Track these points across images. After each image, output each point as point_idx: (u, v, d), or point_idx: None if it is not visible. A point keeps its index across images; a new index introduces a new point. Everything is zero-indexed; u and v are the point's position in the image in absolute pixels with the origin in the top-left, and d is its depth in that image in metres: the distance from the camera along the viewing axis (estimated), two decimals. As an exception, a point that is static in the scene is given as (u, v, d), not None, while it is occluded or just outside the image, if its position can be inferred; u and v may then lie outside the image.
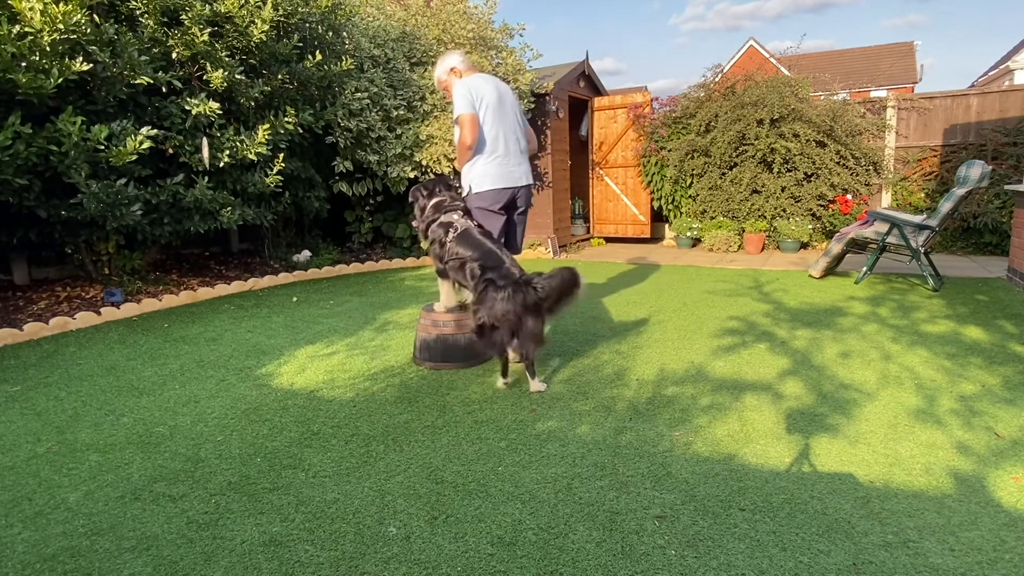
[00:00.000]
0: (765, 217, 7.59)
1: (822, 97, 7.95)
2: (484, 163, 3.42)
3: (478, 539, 1.78)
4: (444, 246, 3.15)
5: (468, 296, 3.23)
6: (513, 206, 3.52)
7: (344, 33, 6.37)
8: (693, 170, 7.95)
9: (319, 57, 5.53)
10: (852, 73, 22.12)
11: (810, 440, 2.37)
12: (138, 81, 4.29)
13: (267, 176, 5.34)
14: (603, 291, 5.39)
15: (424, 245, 3.41)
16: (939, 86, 27.88)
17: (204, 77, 4.82)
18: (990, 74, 20.02)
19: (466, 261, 3.04)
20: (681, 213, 8.39)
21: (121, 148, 4.07)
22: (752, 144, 7.39)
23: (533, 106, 7.70)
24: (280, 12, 5.11)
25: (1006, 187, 5.41)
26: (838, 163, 7.30)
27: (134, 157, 4.14)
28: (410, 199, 3.44)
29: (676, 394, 2.88)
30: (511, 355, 3.00)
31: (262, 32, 4.93)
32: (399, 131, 6.49)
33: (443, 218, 3.21)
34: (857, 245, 5.44)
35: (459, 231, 3.13)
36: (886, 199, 7.63)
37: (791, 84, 7.53)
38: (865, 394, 2.82)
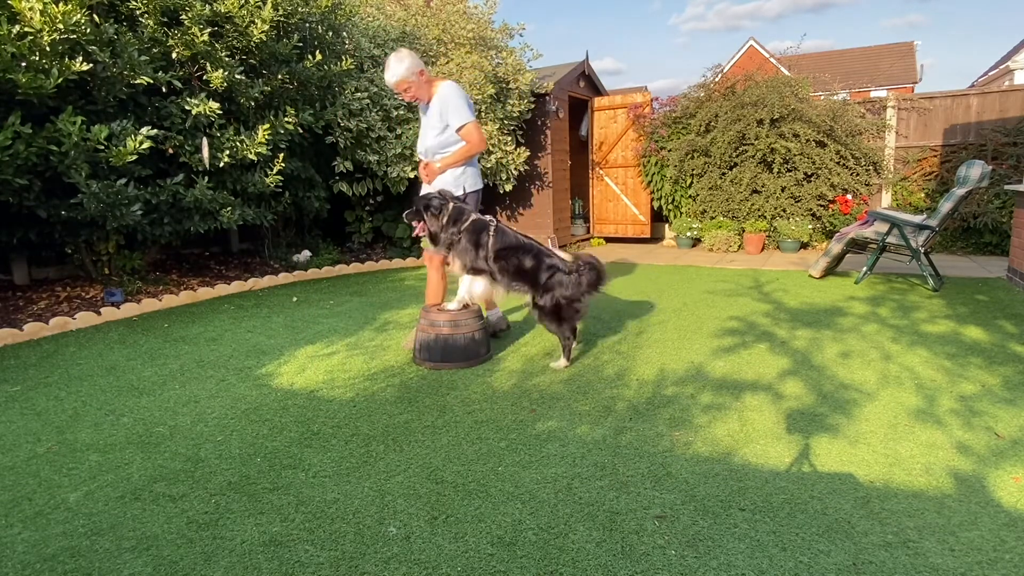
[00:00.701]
0: (765, 217, 7.59)
1: (822, 97, 7.95)
2: (475, 166, 3.64)
3: (478, 539, 1.78)
4: (484, 245, 3.30)
5: (478, 293, 3.42)
6: None
7: (344, 33, 6.37)
8: (693, 170, 7.95)
9: (319, 57, 5.53)
10: (852, 73, 22.12)
11: (810, 440, 2.37)
12: (138, 81, 4.28)
13: (267, 176, 5.34)
14: (602, 291, 5.39)
15: (440, 249, 3.38)
16: (939, 86, 27.90)
17: (204, 77, 4.82)
18: (990, 74, 20.03)
19: (519, 250, 3.31)
20: (681, 213, 8.39)
21: (121, 148, 4.07)
22: (752, 144, 7.39)
23: (533, 106, 7.70)
24: (280, 12, 5.11)
25: (1006, 187, 5.41)
26: (838, 163, 7.30)
27: (134, 157, 4.14)
28: (428, 208, 3.33)
29: (676, 394, 2.88)
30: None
31: (262, 32, 4.93)
32: (399, 131, 6.49)
33: (475, 217, 3.33)
34: (857, 245, 5.44)
35: (496, 226, 3.34)
36: (886, 199, 7.64)
37: (791, 84, 7.53)
38: (865, 394, 2.83)
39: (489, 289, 3.44)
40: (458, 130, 3.40)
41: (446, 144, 3.48)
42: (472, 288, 3.43)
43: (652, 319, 4.31)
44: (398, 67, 3.37)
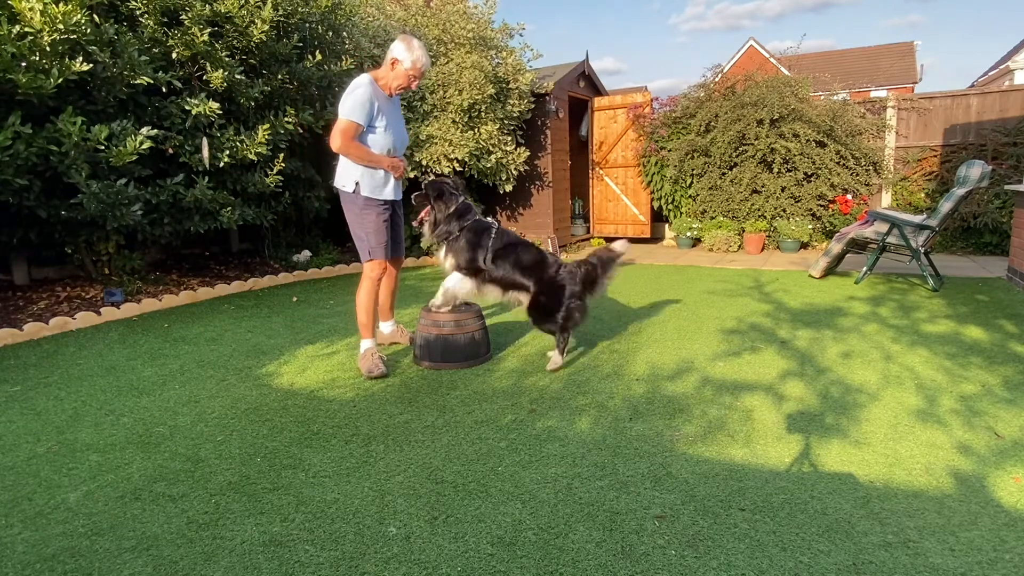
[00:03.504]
0: (765, 217, 7.59)
1: (822, 97, 7.95)
2: None
3: (478, 539, 1.78)
4: (485, 246, 3.28)
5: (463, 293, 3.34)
6: None
7: (344, 33, 6.37)
8: (693, 170, 7.95)
9: (319, 57, 5.53)
10: (852, 73, 22.13)
11: (810, 440, 2.37)
12: (138, 81, 4.28)
13: (267, 176, 5.34)
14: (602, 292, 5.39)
15: (431, 240, 3.39)
16: (939, 86, 27.93)
17: (204, 77, 4.82)
18: (990, 74, 20.03)
19: (519, 247, 3.32)
20: (681, 213, 8.39)
21: (121, 148, 4.07)
22: (752, 144, 7.39)
23: (533, 106, 7.70)
24: (280, 12, 5.11)
25: (1006, 187, 5.41)
26: (838, 163, 7.30)
27: (134, 157, 4.14)
28: (442, 195, 3.32)
29: (676, 394, 2.88)
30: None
31: (262, 32, 4.93)
32: (399, 131, 6.48)
33: (478, 218, 3.36)
34: (857, 245, 5.44)
35: (498, 228, 3.35)
36: (886, 199, 7.64)
37: (791, 84, 7.53)
38: (866, 394, 2.82)
39: (473, 290, 3.36)
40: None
41: None
42: (457, 288, 3.33)
43: (652, 319, 4.30)
44: (428, 57, 3.24)
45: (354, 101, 3.09)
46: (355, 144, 3.17)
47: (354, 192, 3.27)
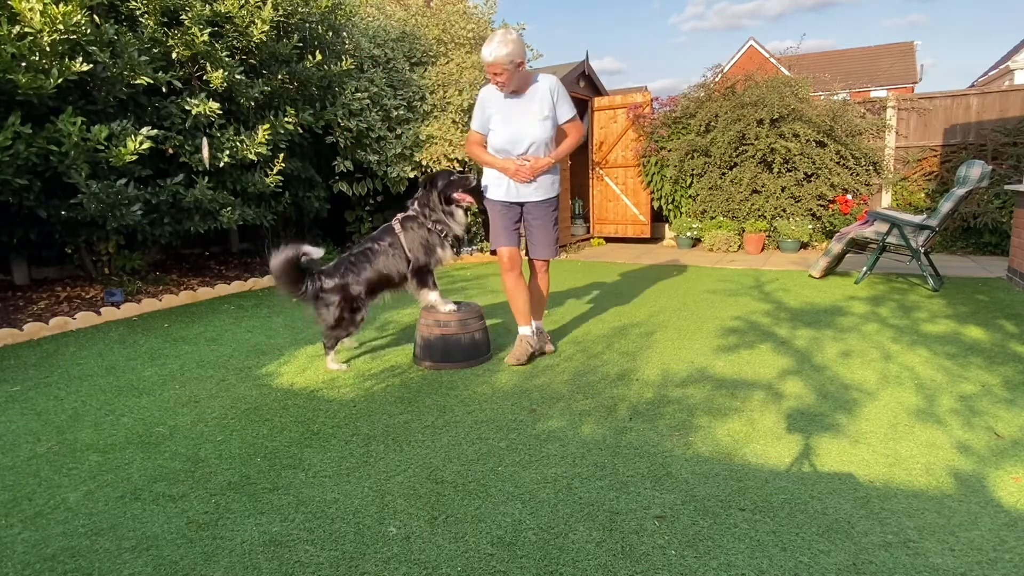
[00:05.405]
0: (765, 217, 7.59)
1: (822, 97, 7.95)
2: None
3: (478, 539, 1.78)
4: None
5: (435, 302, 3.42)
6: None
7: (344, 33, 6.37)
8: (693, 170, 7.95)
9: (319, 57, 5.53)
10: (852, 73, 22.13)
11: (810, 440, 2.37)
12: (138, 81, 4.29)
13: (267, 176, 5.34)
14: (603, 291, 5.39)
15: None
16: (939, 86, 27.95)
17: (204, 77, 4.83)
18: (990, 74, 20.03)
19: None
20: (681, 213, 8.39)
21: (121, 148, 4.07)
22: (752, 144, 7.39)
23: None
24: (280, 12, 5.12)
25: (1006, 187, 5.41)
26: (838, 163, 7.30)
27: (134, 157, 4.14)
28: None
29: (676, 394, 2.87)
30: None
31: (262, 32, 4.93)
32: (399, 131, 6.49)
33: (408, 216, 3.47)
34: (857, 245, 5.44)
35: (380, 232, 3.44)
36: (886, 199, 7.64)
37: (791, 84, 7.54)
38: (866, 394, 2.82)
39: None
40: (568, 122, 3.28)
41: (551, 137, 3.26)
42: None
43: (652, 319, 4.30)
44: (500, 48, 3.05)
45: (475, 110, 3.37)
46: (475, 149, 3.41)
47: (484, 192, 3.45)
